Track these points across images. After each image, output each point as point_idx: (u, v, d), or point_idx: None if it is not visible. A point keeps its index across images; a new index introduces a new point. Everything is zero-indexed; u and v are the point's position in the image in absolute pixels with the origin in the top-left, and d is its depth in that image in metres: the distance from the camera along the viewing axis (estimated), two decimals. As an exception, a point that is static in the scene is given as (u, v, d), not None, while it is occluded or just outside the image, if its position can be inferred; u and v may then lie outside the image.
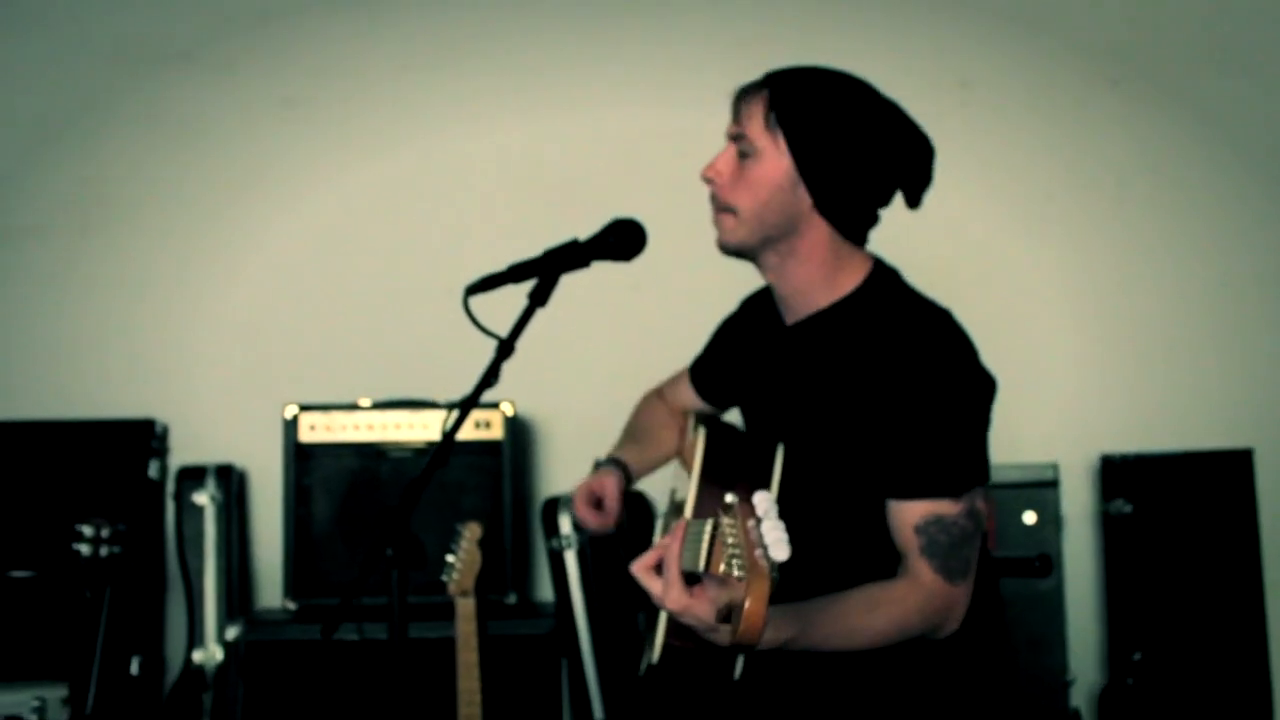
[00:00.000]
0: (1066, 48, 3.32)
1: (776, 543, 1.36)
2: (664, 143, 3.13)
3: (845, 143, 1.81)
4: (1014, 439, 3.23)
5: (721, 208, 1.87)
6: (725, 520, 1.42)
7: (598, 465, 2.19)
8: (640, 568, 1.60)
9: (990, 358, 1.84)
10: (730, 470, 1.83)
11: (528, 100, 3.41)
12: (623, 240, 1.82)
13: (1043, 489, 3.13)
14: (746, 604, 1.36)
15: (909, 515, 1.78)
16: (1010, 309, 3.38)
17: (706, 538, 1.51)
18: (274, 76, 3.39)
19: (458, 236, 3.39)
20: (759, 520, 1.37)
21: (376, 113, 3.40)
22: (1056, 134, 3.35)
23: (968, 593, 1.80)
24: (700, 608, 1.54)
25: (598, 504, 2.10)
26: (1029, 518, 3.12)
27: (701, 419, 2.05)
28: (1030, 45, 3.30)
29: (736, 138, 1.85)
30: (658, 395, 2.28)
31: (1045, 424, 3.35)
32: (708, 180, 1.87)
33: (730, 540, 1.40)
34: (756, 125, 1.84)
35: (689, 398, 2.25)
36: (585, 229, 1.85)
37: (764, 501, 1.39)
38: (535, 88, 3.42)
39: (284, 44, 3.37)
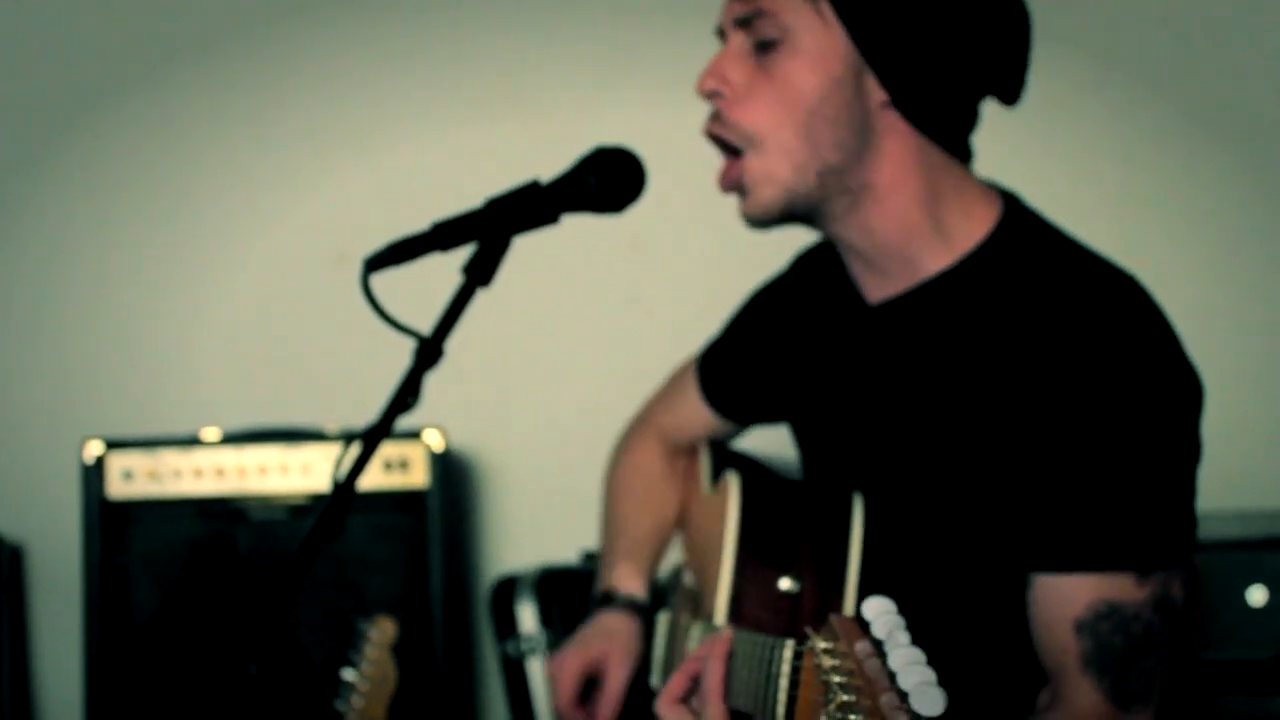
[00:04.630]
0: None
1: (922, 688, 1.10)
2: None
3: (908, 8, 1.67)
4: (1230, 471, 2.51)
5: (738, 139, 1.70)
6: (820, 643, 1.23)
7: (591, 561, 2.26)
8: (668, 704, 1.49)
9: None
10: (783, 540, 1.70)
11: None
12: (608, 180, 1.60)
13: (1279, 550, 2.63)
14: None
15: (1068, 602, 1.59)
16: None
17: (786, 667, 1.35)
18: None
19: (362, 188, 3.07)
20: (879, 645, 1.15)
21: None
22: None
23: None
24: None
25: (587, 688, 1.96)
26: (1257, 596, 2.59)
27: (723, 459, 1.99)
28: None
29: (746, 19, 1.68)
30: (646, 431, 2.13)
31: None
32: (709, 94, 1.70)
33: (837, 677, 1.19)
34: None
35: (695, 416, 2.07)
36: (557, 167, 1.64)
37: (883, 614, 1.17)
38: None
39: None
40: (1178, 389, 1.62)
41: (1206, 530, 2.41)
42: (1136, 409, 1.59)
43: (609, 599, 2.00)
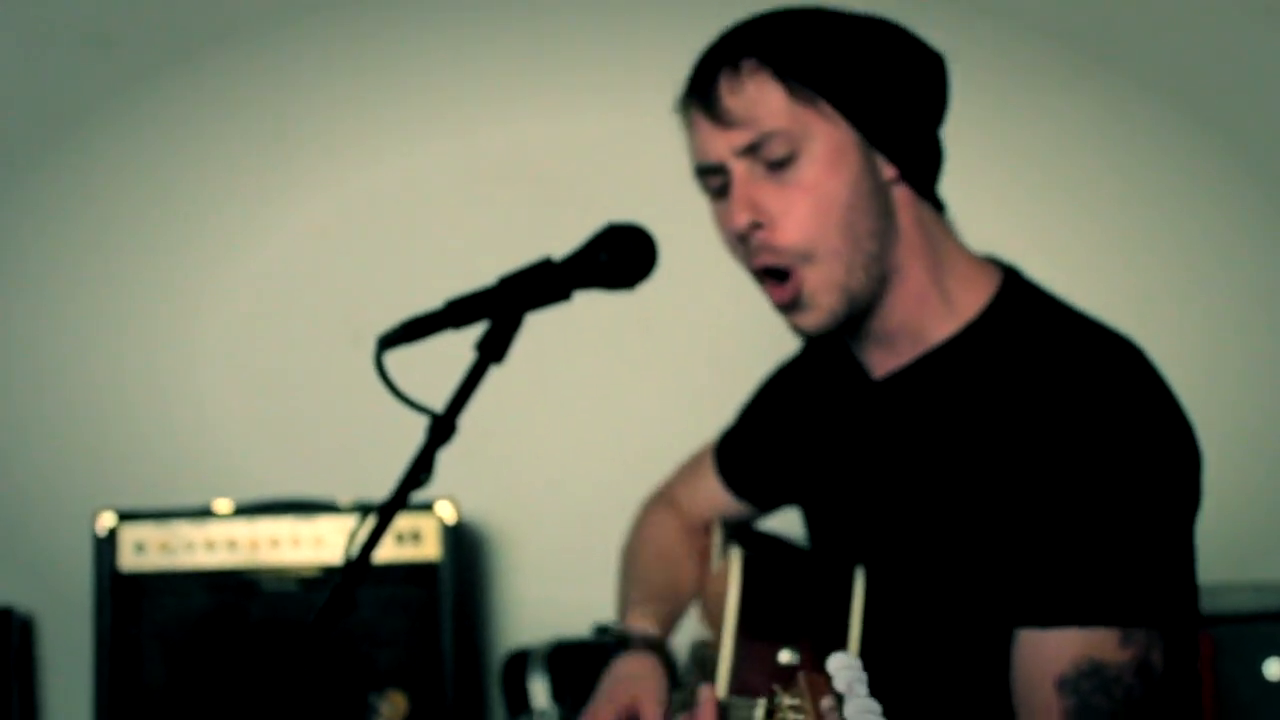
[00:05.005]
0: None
1: None
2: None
3: (885, 77, 1.71)
4: (1245, 543, 2.77)
5: (791, 261, 1.69)
6: (785, 699, 1.27)
7: (604, 634, 2.26)
8: None
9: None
10: (784, 613, 1.72)
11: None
12: (620, 257, 1.61)
13: None
14: None
15: (1051, 658, 1.58)
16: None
17: None
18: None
19: (376, 265, 3.06)
20: (839, 700, 1.19)
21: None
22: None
23: None
24: None
25: None
26: (1274, 669, 2.60)
27: (733, 534, 2.01)
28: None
29: (752, 147, 1.68)
30: (665, 506, 2.14)
31: None
32: (751, 228, 1.69)
33: None
34: (778, 107, 1.68)
35: (714, 498, 2.09)
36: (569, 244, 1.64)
37: (844, 669, 1.21)
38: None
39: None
40: (1171, 451, 1.62)
41: (1221, 603, 2.52)
42: (1127, 468, 1.59)
43: (625, 643, 1.97)
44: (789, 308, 1.71)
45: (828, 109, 1.68)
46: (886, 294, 1.73)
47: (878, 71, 1.71)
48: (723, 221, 1.74)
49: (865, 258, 1.70)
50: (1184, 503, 1.64)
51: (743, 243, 1.72)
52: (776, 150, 1.68)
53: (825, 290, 1.70)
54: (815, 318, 1.71)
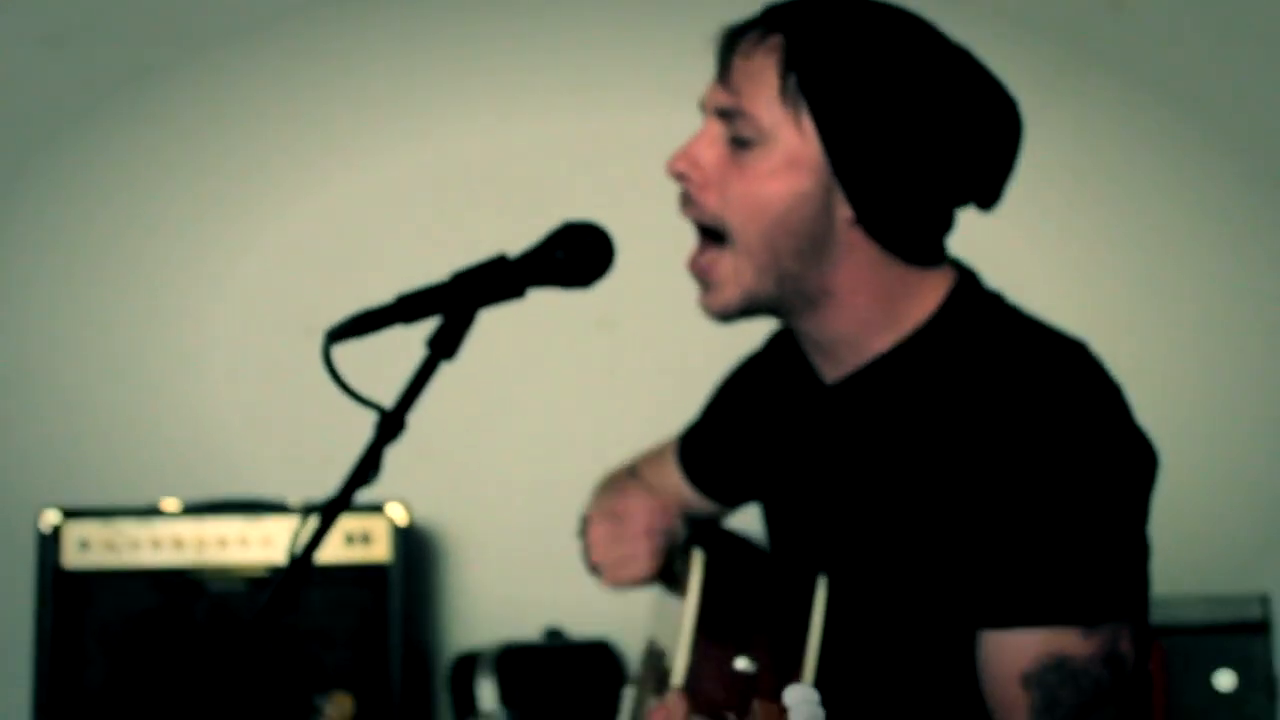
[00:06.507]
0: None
1: None
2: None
3: (905, 117, 1.64)
4: (1197, 556, 2.80)
5: (706, 226, 1.70)
6: None
7: (554, 638, 2.48)
8: None
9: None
10: (743, 617, 1.70)
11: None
12: (576, 255, 1.61)
13: (1246, 635, 2.65)
14: None
15: (1015, 657, 1.59)
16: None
17: None
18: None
19: (332, 262, 3.04)
20: None
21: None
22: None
23: None
24: None
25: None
26: (1224, 681, 2.65)
27: (696, 533, 1.96)
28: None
29: (728, 113, 1.68)
30: (631, 479, 2.11)
31: (1247, 531, 2.94)
32: (679, 175, 1.70)
33: None
34: (765, 94, 1.66)
35: (677, 489, 2.07)
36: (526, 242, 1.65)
37: (803, 703, 1.22)
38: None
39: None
40: (1123, 448, 1.63)
41: (1173, 615, 2.57)
42: (1079, 466, 1.60)
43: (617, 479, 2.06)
44: (697, 276, 1.74)
45: (807, 124, 1.67)
46: (816, 311, 1.73)
47: (887, 106, 1.67)
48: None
49: (780, 273, 1.70)
50: (1135, 501, 1.64)
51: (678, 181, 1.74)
52: (743, 130, 1.68)
53: (730, 282, 1.71)
54: (711, 301, 1.73)
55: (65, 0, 3.12)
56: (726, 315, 1.73)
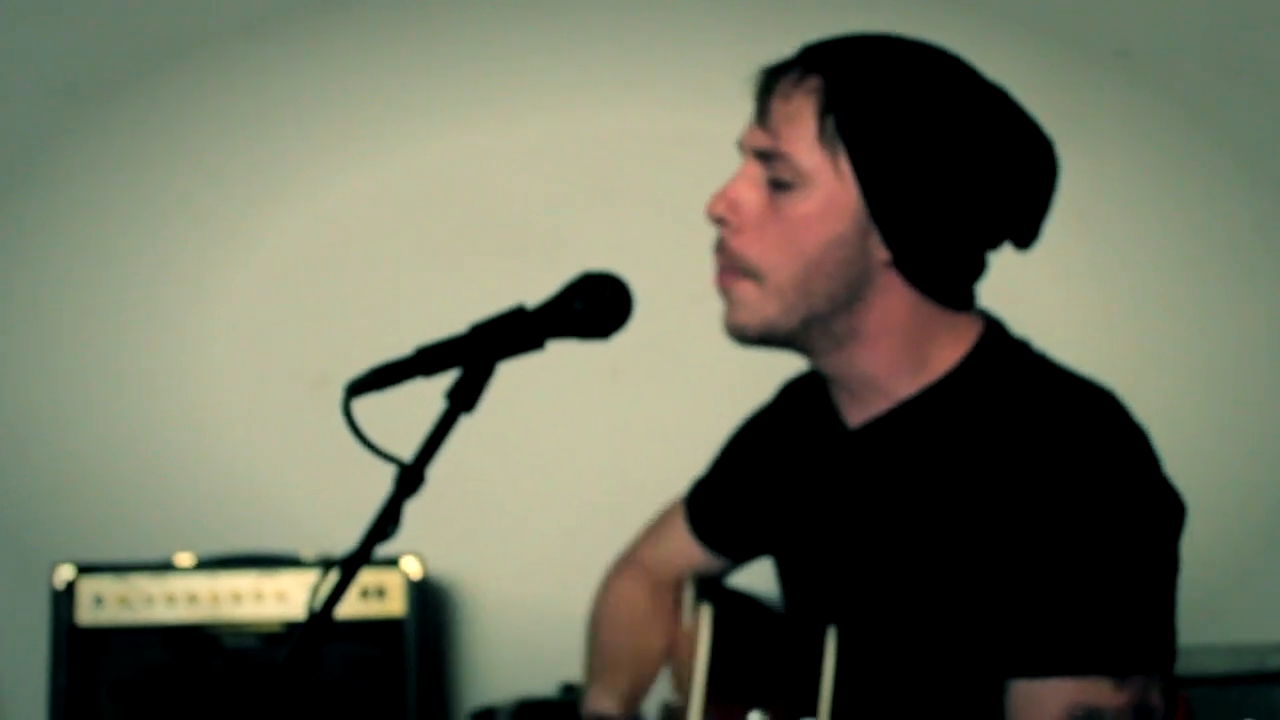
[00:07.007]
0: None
1: None
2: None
3: (943, 160, 1.64)
4: (1219, 605, 2.76)
5: (738, 267, 1.69)
6: None
7: (571, 693, 2.35)
8: None
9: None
10: (754, 673, 1.71)
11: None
12: (595, 306, 1.60)
13: (1269, 685, 2.62)
14: None
15: (1045, 705, 1.58)
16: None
17: None
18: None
19: (340, 310, 3.00)
20: None
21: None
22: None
23: None
24: None
25: None
26: None
27: (704, 589, 1.93)
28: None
29: (766, 155, 1.67)
30: (630, 568, 2.11)
31: (1268, 580, 2.92)
32: (718, 220, 1.68)
33: None
34: (804, 136, 1.65)
35: (685, 551, 2.05)
36: (538, 292, 1.63)
37: None
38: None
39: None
40: (1152, 499, 1.62)
41: (1196, 665, 2.56)
42: (1110, 517, 1.59)
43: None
44: (724, 296, 1.73)
45: (845, 166, 1.66)
46: (842, 350, 1.72)
47: (928, 152, 1.67)
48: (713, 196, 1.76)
49: (808, 314, 1.70)
50: (1165, 552, 1.64)
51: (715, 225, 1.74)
52: (782, 172, 1.68)
53: (751, 312, 1.71)
54: (732, 319, 1.72)
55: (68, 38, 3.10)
56: (743, 338, 1.73)
